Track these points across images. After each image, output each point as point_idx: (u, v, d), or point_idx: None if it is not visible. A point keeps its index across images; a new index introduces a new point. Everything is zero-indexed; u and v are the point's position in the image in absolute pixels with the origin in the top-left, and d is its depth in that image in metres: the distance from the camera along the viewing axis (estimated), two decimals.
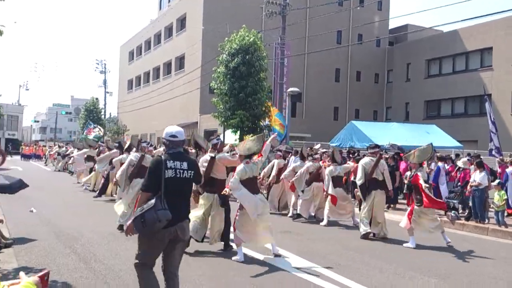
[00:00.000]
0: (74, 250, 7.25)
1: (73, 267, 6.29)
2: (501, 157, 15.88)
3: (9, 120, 61.16)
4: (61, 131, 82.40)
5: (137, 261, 4.38)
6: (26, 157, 42.64)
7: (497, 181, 11.14)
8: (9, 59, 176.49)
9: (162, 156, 4.37)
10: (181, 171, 4.28)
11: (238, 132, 22.88)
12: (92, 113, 49.09)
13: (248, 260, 7.00)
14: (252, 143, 7.30)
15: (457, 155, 17.92)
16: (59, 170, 27.36)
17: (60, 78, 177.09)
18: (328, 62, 37.88)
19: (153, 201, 4.08)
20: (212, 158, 7.38)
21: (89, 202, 13.60)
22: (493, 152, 18.34)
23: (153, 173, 4.26)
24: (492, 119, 19.41)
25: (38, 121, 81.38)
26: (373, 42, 39.49)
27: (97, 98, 52.18)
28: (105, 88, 54.31)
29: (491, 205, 11.02)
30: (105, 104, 52.91)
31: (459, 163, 12.95)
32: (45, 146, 48.53)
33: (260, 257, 7.18)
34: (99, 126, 34.11)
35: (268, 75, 24.55)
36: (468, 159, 13.16)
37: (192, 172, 4.37)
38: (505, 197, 10.62)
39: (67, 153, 26.51)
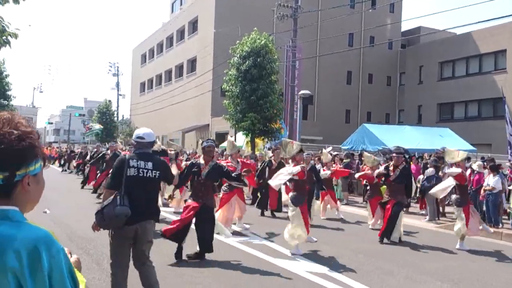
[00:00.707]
0: (87, 251, 7.31)
1: (86, 268, 6.33)
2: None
3: None
4: (75, 133, 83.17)
5: (111, 260, 4.59)
6: None
7: None
8: (24, 62, 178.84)
9: (126, 156, 4.64)
10: (145, 170, 4.43)
11: (250, 134, 22.92)
12: (105, 115, 49.43)
13: (260, 262, 6.99)
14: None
15: (469, 158, 17.74)
16: (68, 171, 27.86)
17: (74, 80, 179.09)
18: (339, 65, 37.74)
19: (112, 197, 4.28)
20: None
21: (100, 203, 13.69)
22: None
23: (116, 171, 4.49)
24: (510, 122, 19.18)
25: (52, 123, 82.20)
26: (385, 45, 39.27)
27: (110, 101, 52.59)
28: (118, 90, 54.79)
29: (507, 210, 10.88)
30: (117, 106, 53.35)
31: (474, 167, 12.80)
32: (59, 147, 49.03)
33: (272, 260, 7.17)
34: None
35: (280, 77, 24.56)
36: (482, 163, 13.01)
37: (158, 172, 4.51)
38: None
39: (74, 153, 27.12)
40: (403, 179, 9.10)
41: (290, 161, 8.41)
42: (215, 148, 7.88)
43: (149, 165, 4.48)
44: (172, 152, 10.96)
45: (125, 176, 4.38)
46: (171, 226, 7.05)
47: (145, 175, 4.44)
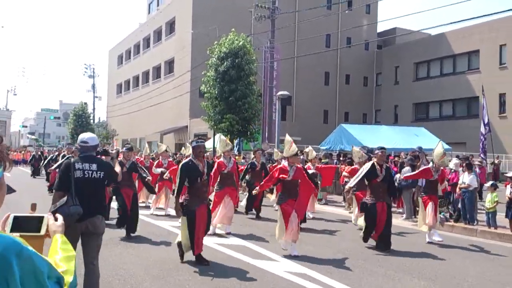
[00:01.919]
0: None
1: None
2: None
3: None
4: (50, 136, 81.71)
5: None
6: (14, 162, 42.23)
7: (490, 182, 11.22)
8: None
9: (72, 159, 5.09)
10: (90, 172, 4.83)
11: (228, 136, 22.89)
12: (81, 118, 48.75)
13: (239, 263, 6.98)
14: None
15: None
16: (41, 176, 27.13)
17: (49, 82, 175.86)
18: (317, 66, 38.03)
19: (65, 198, 4.64)
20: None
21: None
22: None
23: (61, 174, 4.90)
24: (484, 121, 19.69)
25: (26, 126, 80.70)
26: (361, 45, 39.75)
27: (85, 103, 51.93)
28: (94, 92, 54.14)
29: (481, 207, 11.10)
30: (94, 109, 52.74)
31: (451, 165, 13.02)
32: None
33: (251, 261, 7.16)
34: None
35: (258, 78, 24.61)
36: (459, 161, 13.24)
37: (102, 172, 4.90)
38: (497, 199, 10.69)
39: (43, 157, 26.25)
40: (388, 178, 8.74)
41: (282, 160, 8.38)
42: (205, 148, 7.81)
43: (94, 166, 4.87)
44: (113, 151, 12.72)
45: (73, 178, 4.74)
46: (197, 243, 6.82)
47: (90, 176, 4.82)
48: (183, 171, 6.79)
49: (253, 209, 12.03)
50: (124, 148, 9.49)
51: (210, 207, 7.89)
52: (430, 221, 9.07)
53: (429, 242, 9.08)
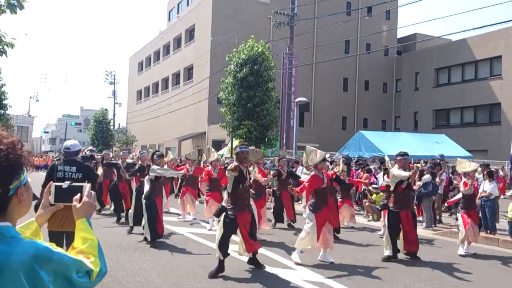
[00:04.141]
0: None
1: None
2: None
3: (19, 131, 61.67)
4: None
5: None
6: (36, 167, 42.94)
7: (511, 191, 10.98)
8: (20, 71, 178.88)
9: (56, 162, 6.11)
10: (70, 173, 5.70)
11: (246, 142, 22.92)
12: (101, 124, 49.37)
13: (256, 271, 6.96)
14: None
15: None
16: None
17: (70, 89, 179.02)
18: (336, 72, 37.89)
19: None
20: None
21: (96, 214, 13.62)
22: None
23: (47, 175, 5.85)
24: None
25: (48, 132, 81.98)
26: (381, 52, 39.46)
27: (106, 109, 52.58)
28: (114, 98, 54.79)
29: (507, 215, 10.86)
30: (114, 115, 53.34)
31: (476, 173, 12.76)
32: (56, 157, 48.87)
33: (268, 269, 7.14)
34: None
35: (276, 85, 24.63)
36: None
37: (80, 174, 5.71)
38: None
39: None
40: (411, 186, 8.51)
41: (312, 168, 8.21)
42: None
43: (73, 169, 5.75)
44: (98, 156, 13.95)
45: (55, 178, 5.50)
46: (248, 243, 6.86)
47: (70, 176, 5.66)
48: (234, 169, 6.68)
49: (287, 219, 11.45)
50: (155, 156, 9.34)
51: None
52: (473, 238, 8.79)
53: (461, 255, 8.71)
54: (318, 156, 7.91)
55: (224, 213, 6.76)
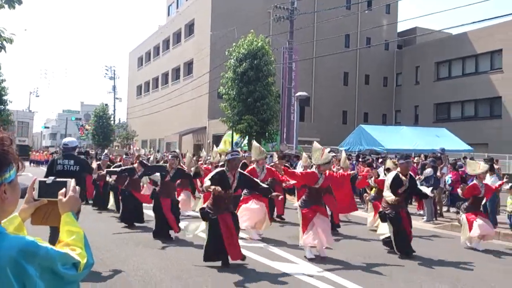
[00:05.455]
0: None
1: None
2: None
3: (20, 127, 61.68)
4: (71, 137, 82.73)
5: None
6: (36, 163, 42.95)
7: (510, 184, 10.98)
8: (20, 66, 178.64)
9: (56, 157, 7.10)
10: (68, 166, 6.55)
11: (246, 137, 22.92)
12: (101, 119, 49.33)
13: (257, 265, 6.97)
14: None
15: (465, 158, 17.74)
16: None
17: (70, 84, 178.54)
18: (336, 66, 37.81)
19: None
20: None
21: (99, 208, 13.64)
22: None
23: (48, 168, 6.80)
24: None
25: (48, 127, 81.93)
26: (381, 46, 39.35)
27: (106, 104, 52.50)
28: (114, 94, 54.74)
29: (506, 209, 10.88)
30: (114, 110, 53.28)
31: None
32: (56, 152, 48.87)
33: (270, 263, 7.15)
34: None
35: (276, 79, 24.58)
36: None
37: (78, 166, 6.61)
38: None
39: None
40: (414, 187, 8.36)
41: (314, 167, 7.96)
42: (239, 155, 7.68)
43: (71, 162, 6.59)
44: (93, 152, 16.01)
45: (55, 171, 6.31)
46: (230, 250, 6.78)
47: (68, 169, 6.47)
48: (215, 179, 6.69)
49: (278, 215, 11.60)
50: (170, 156, 9.17)
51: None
52: (481, 231, 8.61)
53: (469, 248, 8.71)
54: (323, 158, 7.60)
55: (207, 216, 6.72)
